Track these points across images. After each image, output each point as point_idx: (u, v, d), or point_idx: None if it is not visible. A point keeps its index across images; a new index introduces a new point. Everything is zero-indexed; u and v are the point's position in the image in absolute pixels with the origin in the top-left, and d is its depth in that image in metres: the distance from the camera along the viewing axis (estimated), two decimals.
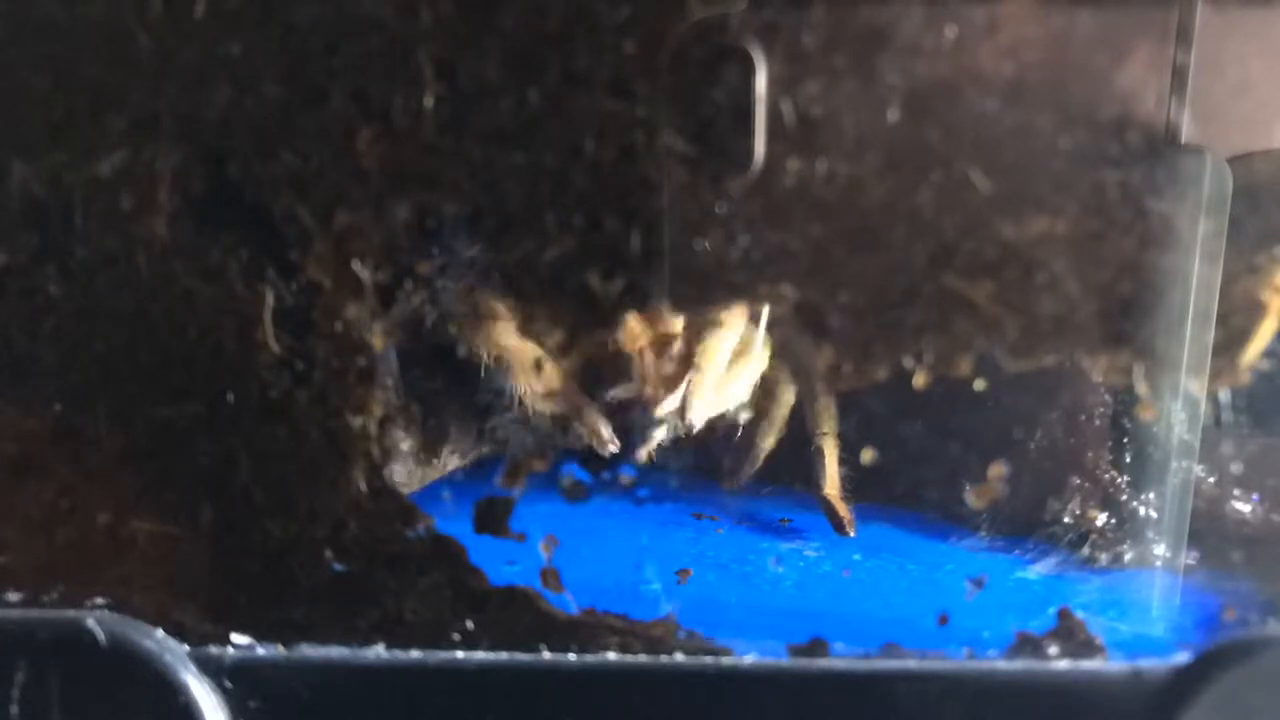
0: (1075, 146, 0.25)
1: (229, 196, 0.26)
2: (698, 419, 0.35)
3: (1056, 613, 0.27)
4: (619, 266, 0.26)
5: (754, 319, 0.36)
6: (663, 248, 0.26)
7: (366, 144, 0.25)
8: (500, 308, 0.33)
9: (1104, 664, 0.26)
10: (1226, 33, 0.26)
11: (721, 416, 0.38)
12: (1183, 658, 0.25)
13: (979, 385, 0.28)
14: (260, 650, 0.27)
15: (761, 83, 0.25)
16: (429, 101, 0.25)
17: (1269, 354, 0.29)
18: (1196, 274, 0.27)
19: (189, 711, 0.25)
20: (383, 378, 0.27)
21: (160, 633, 0.26)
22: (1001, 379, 0.28)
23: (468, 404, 0.39)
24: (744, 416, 0.39)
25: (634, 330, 0.34)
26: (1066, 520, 0.36)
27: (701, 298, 0.31)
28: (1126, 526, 0.35)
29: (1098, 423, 0.36)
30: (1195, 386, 0.29)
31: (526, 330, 0.33)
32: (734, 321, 0.35)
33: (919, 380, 0.27)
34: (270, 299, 0.26)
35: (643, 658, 0.27)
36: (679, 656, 0.26)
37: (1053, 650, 0.27)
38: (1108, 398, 0.36)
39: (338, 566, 0.28)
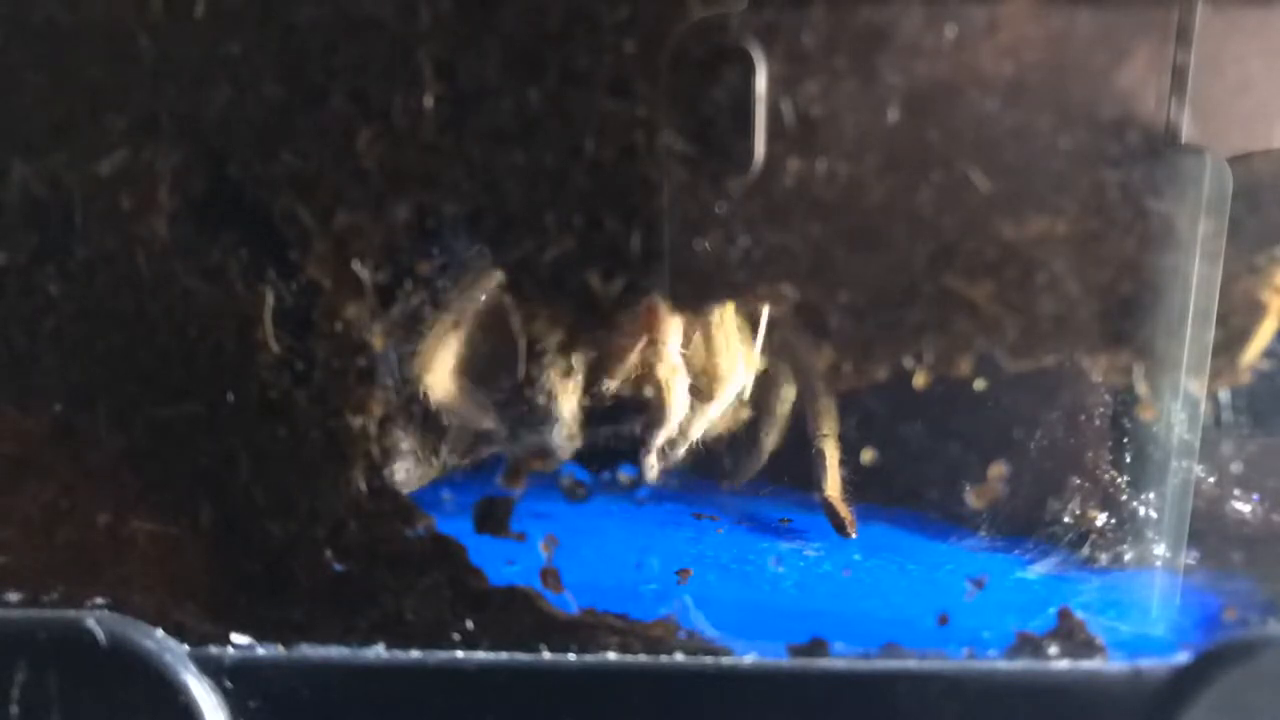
0: (1075, 146, 0.25)
1: (229, 196, 0.26)
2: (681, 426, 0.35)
3: (1056, 613, 0.27)
4: (619, 266, 0.26)
5: (750, 320, 0.36)
6: (663, 248, 0.26)
7: (366, 144, 0.25)
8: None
9: (1104, 664, 0.26)
10: (1226, 33, 0.26)
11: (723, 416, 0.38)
12: (1183, 658, 0.25)
13: (979, 385, 0.28)
14: (260, 650, 0.27)
15: (761, 83, 0.25)
16: (429, 101, 0.25)
17: (1269, 354, 0.29)
18: (1196, 274, 0.27)
19: (189, 711, 0.25)
20: (383, 378, 0.27)
21: (160, 633, 0.26)
22: (1001, 379, 0.28)
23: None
24: (745, 416, 0.40)
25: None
26: (1066, 520, 0.36)
27: (701, 298, 0.31)
28: (1126, 526, 0.35)
29: (1098, 423, 0.36)
30: (1195, 386, 0.29)
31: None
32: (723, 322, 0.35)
33: (919, 380, 0.27)
34: (270, 299, 0.26)
35: (643, 658, 0.27)
36: (679, 656, 0.26)
37: (1053, 650, 0.27)
38: (1108, 398, 0.36)
39: (338, 566, 0.28)
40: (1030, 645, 0.27)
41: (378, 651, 0.27)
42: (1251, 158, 0.28)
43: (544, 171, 0.26)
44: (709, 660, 0.26)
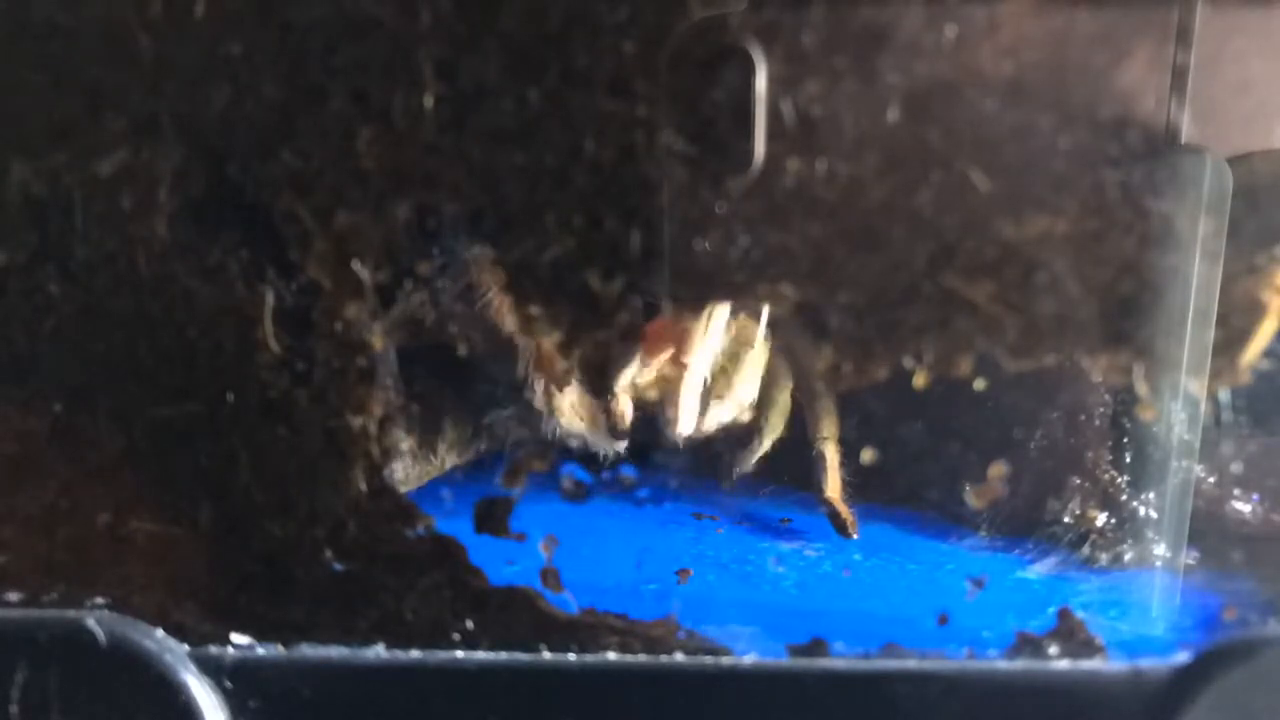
0: (1075, 146, 0.25)
1: (229, 196, 0.26)
2: (686, 427, 0.36)
3: (1056, 613, 0.27)
4: (619, 266, 0.26)
5: (754, 317, 0.36)
6: (663, 248, 0.26)
7: (366, 144, 0.25)
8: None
9: (1104, 664, 0.26)
10: (1226, 33, 0.26)
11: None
12: (1183, 658, 0.25)
13: (979, 385, 0.28)
14: (260, 650, 0.27)
15: (761, 83, 0.25)
16: (429, 101, 0.25)
17: (1269, 354, 0.29)
18: (1196, 274, 0.27)
19: (189, 711, 0.25)
20: (383, 378, 0.27)
21: (160, 633, 0.26)
22: (1001, 379, 0.28)
23: (465, 400, 0.39)
24: (746, 414, 0.39)
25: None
26: (1066, 520, 0.36)
27: (701, 298, 0.31)
28: (1126, 526, 0.35)
29: (1098, 423, 0.36)
30: (1195, 386, 0.29)
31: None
32: (719, 323, 0.35)
33: (919, 380, 0.27)
34: (270, 299, 0.26)
35: (643, 658, 0.27)
36: (679, 656, 0.26)
37: (1053, 650, 0.27)
38: (1108, 398, 0.36)
39: (338, 566, 0.28)
40: (1030, 645, 0.27)
41: (378, 651, 0.27)
42: (1251, 158, 0.28)
43: (544, 171, 0.26)
44: (709, 660, 0.26)
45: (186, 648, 0.26)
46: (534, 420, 0.37)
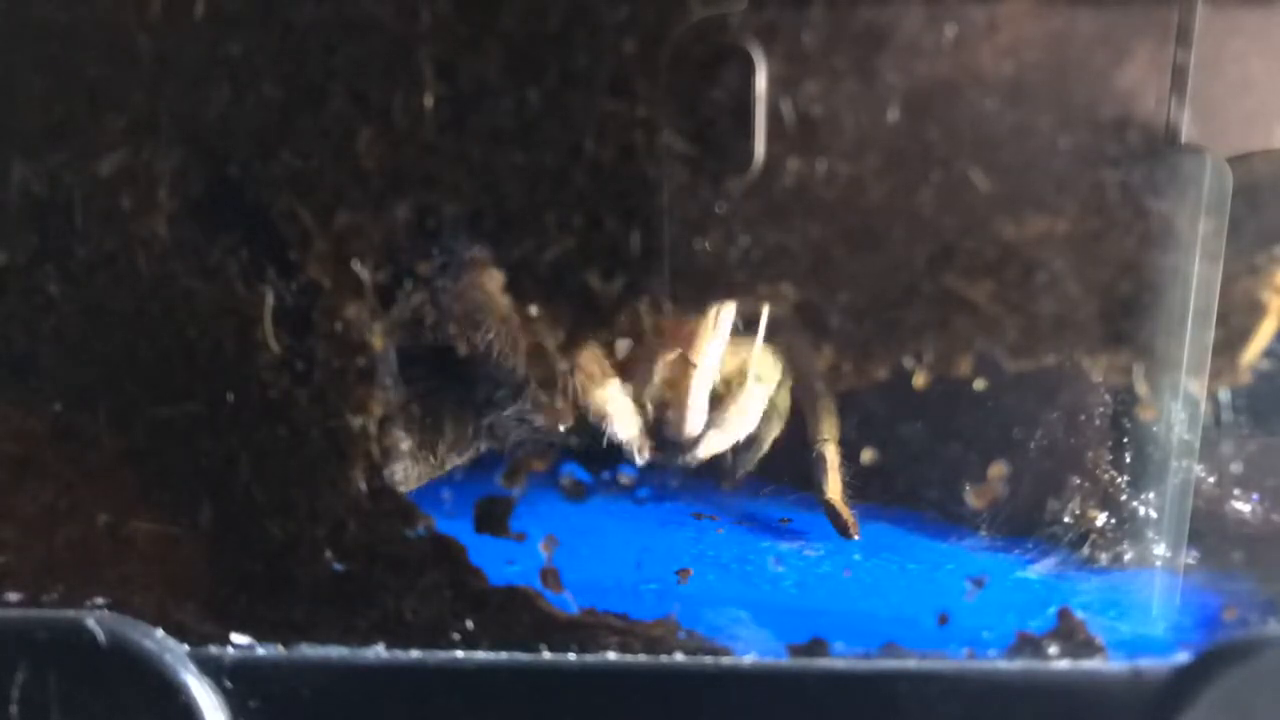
0: (1075, 146, 0.25)
1: (229, 196, 0.26)
2: (694, 428, 0.35)
3: (1056, 613, 0.27)
4: (619, 266, 0.26)
5: (751, 327, 0.36)
6: (663, 247, 0.26)
7: (366, 144, 0.25)
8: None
9: (1104, 664, 0.26)
10: (1226, 33, 0.26)
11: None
12: (1183, 658, 0.25)
13: (979, 385, 0.28)
14: (260, 650, 0.27)
15: (761, 83, 0.25)
16: (429, 101, 0.25)
17: (1269, 354, 0.29)
18: (1196, 274, 0.27)
19: (189, 711, 0.25)
20: (383, 378, 0.27)
21: (160, 633, 0.26)
22: (1001, 379, 0.28)
23: (465, 400, 0.39)
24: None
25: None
26: (1066, 520, 0.36)
27: (701, 298, 0.31)
28: (1126, 526, 0.35)
29: (1098, 423, 0.36)
30: (1195, 386, 0.29)
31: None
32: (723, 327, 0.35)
33: (919, 380, 0.27)
34: (270, 299, 0.26)
35: (643, 658, 0.27)
36: (679, 656, 0.26)
37: (1053, 650, 0.27)
38: (1108, 398, 0.36)
39: (338, 566, 0.28)
40: (1030, 645, 0.27)
41: (378, 651, 0.27)
42: (1251, 158, 0.28)
43: (544, 171, 0.26)
44: (709, 660, 0.26)
45: (186, 648, 0.26)
46: (534, 420, 0.37)
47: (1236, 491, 0.34)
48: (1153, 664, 0.25)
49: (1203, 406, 0.30)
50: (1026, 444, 0.37)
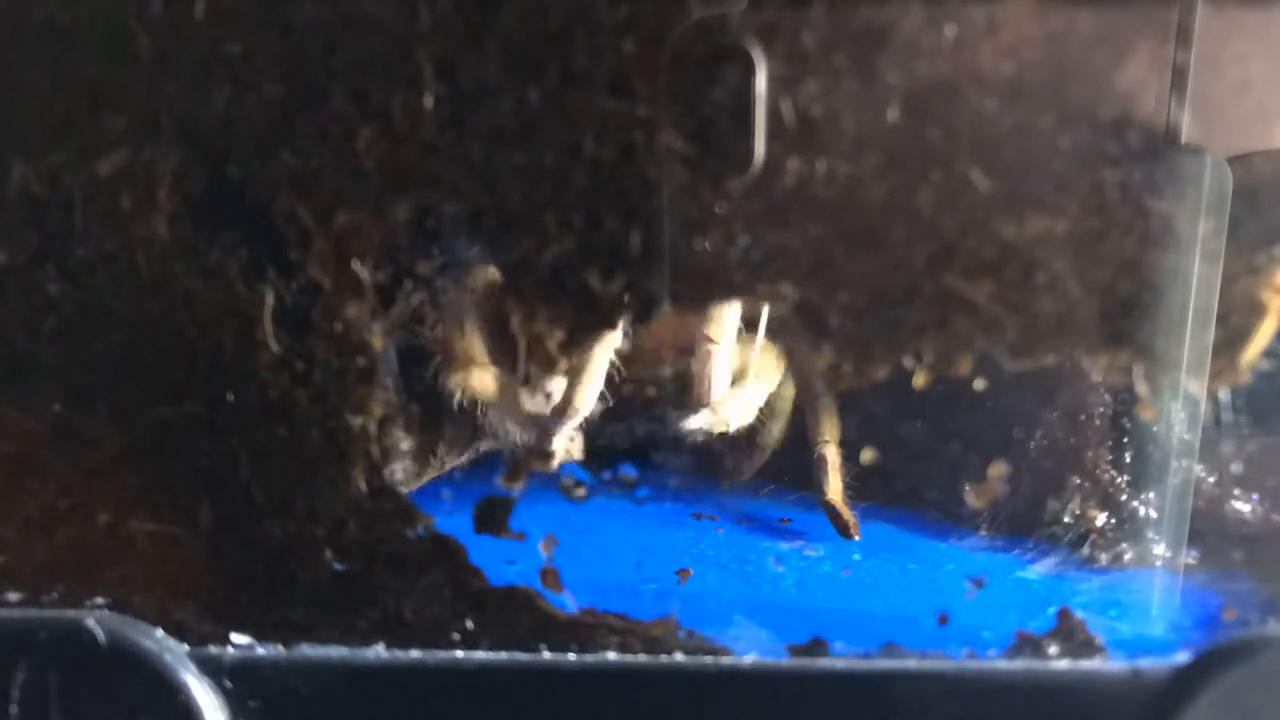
0: (1075, 146, 0.25)
1: (229, 196, 0.26)
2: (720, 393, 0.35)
3: (1056, 613, 0.27)
4: (619, 266, 0.26)
5: (752, 327, 0.36)
6: (663, 247, 0.26)
7: (366, 144, 0.25)
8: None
9: (1104, 664, 0.26)
10: (1226, 33, 0.26)
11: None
12: (1183, 658, 0.25)
13: (979, 385, 0.28)
14: (260, 650, 0.27)
15: (761, 83, 0.25)
16: (429, 101, 0.25)
17: (1269, 354, 0.29)
18: (1196, 274, 0.27)
19: (189, 711, 0.25)
20: (383, 378, 0.27)
21: (160, 633, 0.26)
22: (1001, 379, 0.28)
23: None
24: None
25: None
26: (1066, 520, 0.36)
27: (701, 297, 0.31)
28: (1126, 526, 0.35)
29: (1098, 423, 0.36)
30: (1195, 386, 0.29)
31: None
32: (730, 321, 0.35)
33: (919, 380, 0.27)
34: (270, 299, 0.26)
35: (643, 658, 0.27)
36: (679, 656, 0.26)
37: (1053, 650, 0.27)
38: (1108, 398, 0.36)
39: (338, 566, 0.28)
40: (1030, 645, 0.27)
41: (378, 651, 0.27)
42: (1251, 158, 0.28)
43: (544, 171, 0.26)
44: (709, 660, 0.26)
45: (186, 648, 0.26)
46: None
47: (1236, 491, 0.34)
48: (1153, 664, 0.25)
49: (1203, 406, 0.30)
50: (1026, 444, 0.37)
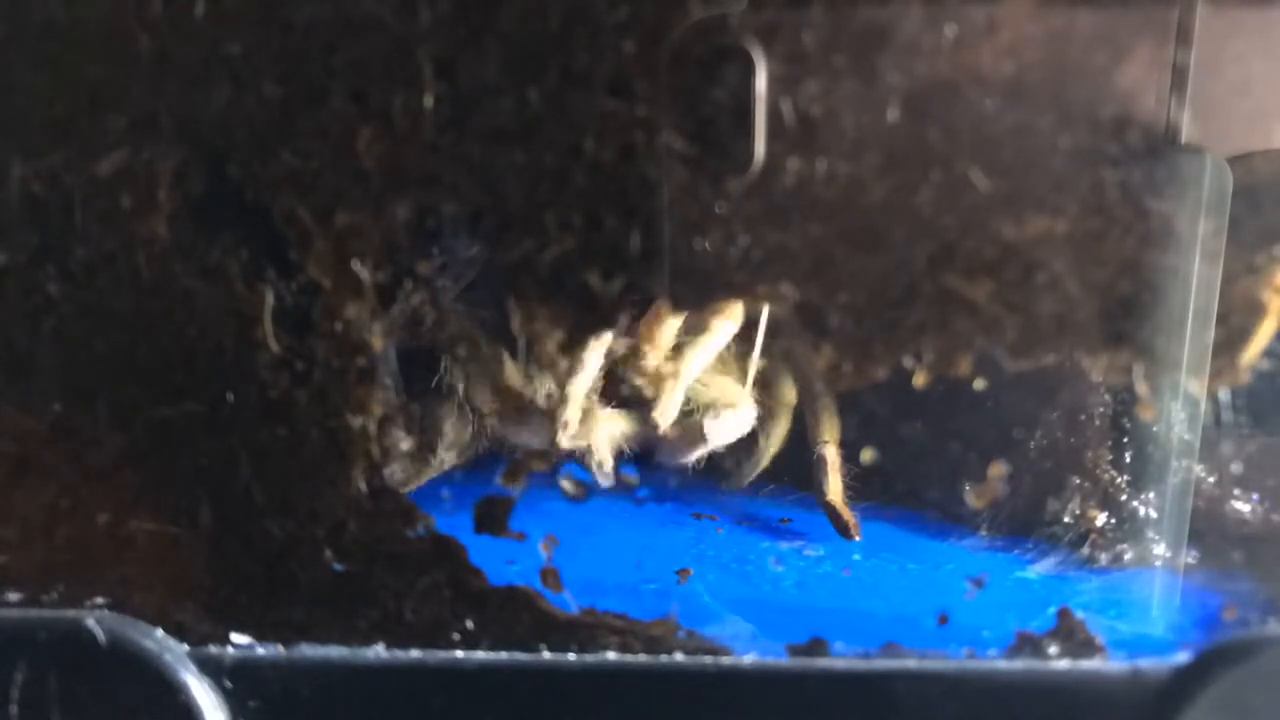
0: (1075, 146, 0.25)
1: (229, 196, 0.26)
2: (666, 421, 0.35)
3: (1056, 613, 0.27)
4: (619, 266, 0.26)
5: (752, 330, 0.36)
6: (662, 248, 0.26)
7: (366, 144, 0.25)
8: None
9: (1104, 664, 0.26)
10: (1226, 33, 0.26)
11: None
12: (1183, 658, 0.25)
13: (979, 385, 0.28)
14: (260, 650, 0.27)
15: (761, 83, 0.25)
16: (429, 101, 0.25)
17: (1269, 354, 0.29)
18: (1196, 274, 0.27)
19: (189, 711, 0.25)
20: (383, 378, 0.27)
21: (160, 633, 0.26)
22: (1001, 379, 0.28)
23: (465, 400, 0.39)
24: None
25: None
26: (1066, 520, 0.36)
27: (701, 297, 0.31)
28: (1126, 526, 0.35)
29: (1098, 423, 0.36)
30: (1195, 386, 0.29)
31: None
32: (720, 327, 0.35)
33: (919, 380, 0.27)
34: (270, 299, 0.26)
35: (643, 658, 0.27)
36: (679, 656, 0.26)
37: (1053, 650, 0.27)
38: (1108, 398, 0.36)
39: (338, 566, 0.28)
40: (1030, 645, 0.27)
41: (378, 651, 0.27)
42: (1251, 158, 0.28)
43: (544, 171, 0.26)
44: (709, 660, 0.26)
45: (186, 648, 0.26)
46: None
47: (1236, 491, 0.34)
48: (1153, 664, 0.25)
49: (1203, 406, 0.30)
50: (1026, 444, 0.37)
